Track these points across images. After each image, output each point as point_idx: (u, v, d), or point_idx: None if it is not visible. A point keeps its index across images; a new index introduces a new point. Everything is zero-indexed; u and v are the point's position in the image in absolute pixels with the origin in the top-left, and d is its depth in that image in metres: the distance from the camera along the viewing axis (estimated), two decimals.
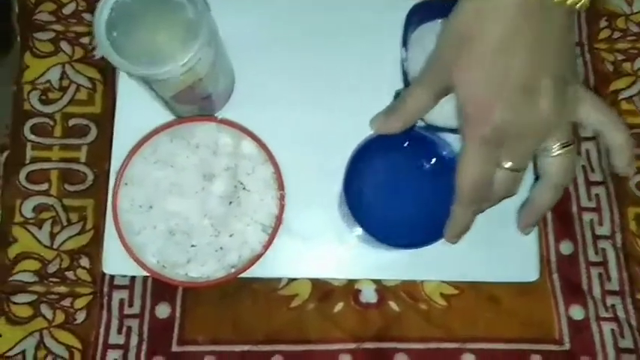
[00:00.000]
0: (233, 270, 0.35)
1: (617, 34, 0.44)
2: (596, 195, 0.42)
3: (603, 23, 0.44)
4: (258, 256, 0.35)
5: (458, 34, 0.29)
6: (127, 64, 0.31)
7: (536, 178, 0.33)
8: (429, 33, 0.38)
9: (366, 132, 0.36)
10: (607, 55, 0.44)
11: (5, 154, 0.42)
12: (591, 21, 0.44)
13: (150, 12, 0.32)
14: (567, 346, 0.39)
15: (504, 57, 0.27)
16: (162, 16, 0.32)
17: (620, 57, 0.44)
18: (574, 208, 0.42)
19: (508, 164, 0.30)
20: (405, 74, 0.37)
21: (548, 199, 0.32)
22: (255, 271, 0.35)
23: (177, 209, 0.36)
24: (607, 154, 0.33)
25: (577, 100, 0.29)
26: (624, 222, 0.41)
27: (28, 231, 0.40)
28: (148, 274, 0.39)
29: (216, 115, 0.40)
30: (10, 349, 0.38)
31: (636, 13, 0.44)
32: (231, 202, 0.36)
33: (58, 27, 0.43)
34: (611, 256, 0.41)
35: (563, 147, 0.30)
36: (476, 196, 0.30)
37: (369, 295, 0.40)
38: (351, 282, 0.40)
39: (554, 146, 0.30)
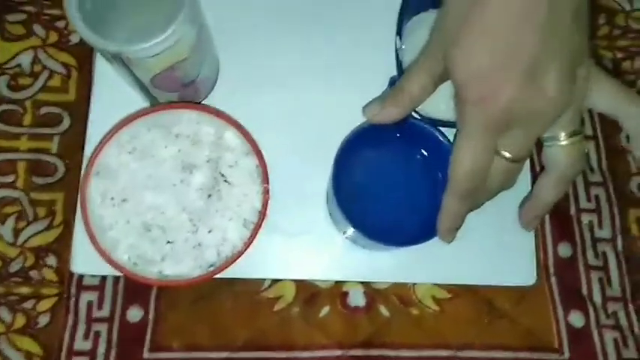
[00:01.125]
0: (212, 269, 0.33)
1: (616, 32, 0.43)
2: (596, 196, 0.40)
3: (602, 20, 0.43)
4: (239, 254, 0.32)
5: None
6: (101, 40, 0.28)
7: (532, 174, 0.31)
8: (423, 23, 0.37)
9: (356, 123, 0.34)
10: (606, 53, 0.43)
11: None
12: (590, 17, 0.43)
13: None
14: (567, 355, 0.37)
15: (517, 31, 0.25)
16: None
17: (619, 55, 0.43)
18: (572, 210, 0.40)
19: (508, 154, 0.28)
20: (399, 64, 0.35)
21: (554, 193, 0.30)
22: (235, 271, 0.33)
23: (154, 203, 0.33)
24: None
25: (587, 84, 0.28)
26: (625, 224, 0.40)
27: None
28: (119, 274, 0.36)
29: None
30: None
31: (636, 10, 0.43)
32: (210, 195, 0.33)
33: (30, 8, 0.41)
34: (612, 260, 0.39)
35: (571, 136, 0.28)
36: (470, 187, 0.28)
37: (357, 299, 0.38)
38: (338, 284, 0.38)
39: (561, 135, 0.28)
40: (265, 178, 0.33)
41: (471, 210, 0.31)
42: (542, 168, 0.34)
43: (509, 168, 0.29)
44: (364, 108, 0.32)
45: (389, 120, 0.31)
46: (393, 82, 0.33)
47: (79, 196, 0.36)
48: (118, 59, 0.30)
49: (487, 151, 0.27)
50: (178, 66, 0.32)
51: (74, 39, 0.41)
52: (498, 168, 0.28)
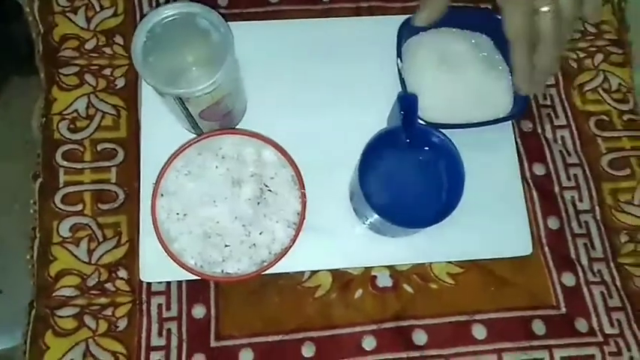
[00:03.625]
0: (265, 264, 0.39)
1: (576, 35, 0.51)
2: (574, 175, 0.47)
3: None
4: (287, 249, 0.39)
5: None
6: (169, 87, 0.35)
7: None
8: (419, 44, 0.44)
9: (366, 134, 0.40)
10: (570, 54, 0.50)
11: (39, 181, 0.45)
12: None
13: (179, 38, 0.37)
14: (564, 310, 0.44)
15: None
16: (191, 40, 0.37)
17: (581, 55, 0.50)
18: (556, 188, 0.47)
19: (545, 8, 0.35)
20: (402, 81, 0.43)
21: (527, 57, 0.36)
22: (280, 267, 0.39)
23: (210, 215, 0.40)
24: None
25: None
26: (601, 197, 0.47)
27: (67, 249, 0.43)
28: (181, 279, 0.43)
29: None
30: None
31: None
32: (259, 203, 0.40)
33: (81, 61, 0.47)
34: (593, 227, 0.46)
35: None
36: (525, 38, 0.36)
37: (384, 281, 0.44)
38: (367, 270, 0.45)
39: None
40: (301, 185, 0.40)
41: (545, 71, 0.38)
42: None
43: (551, 17, 0.35)
44: (412, 20, 0.40)
45: (436, 16, 0.39)
46: (400, 98, 0.40)
47: (141, 216, 0.43)
48: (177, 99, 0.37)
49: (525, 10, 0.35)
50: (222, 100, 0.39)
51: (119, 83, 0.47)
52: (544, 21, 0.35)
